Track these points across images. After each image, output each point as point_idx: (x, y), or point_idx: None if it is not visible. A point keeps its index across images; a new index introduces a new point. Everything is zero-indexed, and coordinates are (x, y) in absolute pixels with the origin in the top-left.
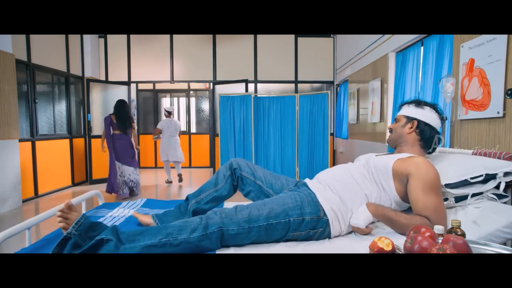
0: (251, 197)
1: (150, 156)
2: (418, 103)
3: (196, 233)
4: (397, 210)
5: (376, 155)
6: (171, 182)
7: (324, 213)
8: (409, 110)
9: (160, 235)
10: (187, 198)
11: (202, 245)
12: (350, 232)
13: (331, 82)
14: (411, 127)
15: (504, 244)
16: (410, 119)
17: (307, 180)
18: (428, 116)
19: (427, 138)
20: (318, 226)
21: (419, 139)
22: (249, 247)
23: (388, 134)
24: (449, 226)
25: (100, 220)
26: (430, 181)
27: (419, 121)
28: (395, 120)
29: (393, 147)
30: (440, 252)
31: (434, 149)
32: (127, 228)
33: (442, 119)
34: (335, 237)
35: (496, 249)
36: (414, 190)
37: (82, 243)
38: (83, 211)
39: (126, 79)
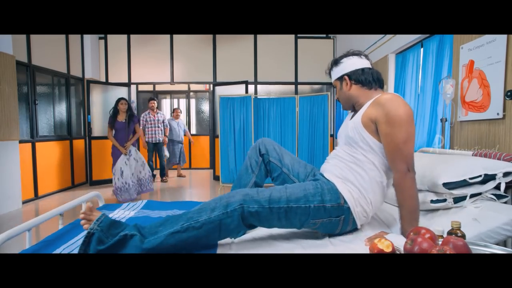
0: (278, 182)
1: None
2: (335, 62)
3: (216, 212)
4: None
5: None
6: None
7: (345, 201)
8: (334, 73)
9: (181, 221)
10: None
11: (224, 223)
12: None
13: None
14: (347, 84)
15: (505, 241)
16: (341, 78)
17: (322, 171)
18: (350, 65)
19: (365, 79)
20: (340, 213)
21: (360, 86)
22: (249, 248)
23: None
24: (449, 227)
25: None
26: (399, 116)
27: (348, 74)
28: (335, 88)
29: (353, 110)
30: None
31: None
32: None
33: (366, 56)
34: (361, 225)
35: (496, 250)
36: (383, 135)
37: (105, 239)
38: None
39: (126, 81)
